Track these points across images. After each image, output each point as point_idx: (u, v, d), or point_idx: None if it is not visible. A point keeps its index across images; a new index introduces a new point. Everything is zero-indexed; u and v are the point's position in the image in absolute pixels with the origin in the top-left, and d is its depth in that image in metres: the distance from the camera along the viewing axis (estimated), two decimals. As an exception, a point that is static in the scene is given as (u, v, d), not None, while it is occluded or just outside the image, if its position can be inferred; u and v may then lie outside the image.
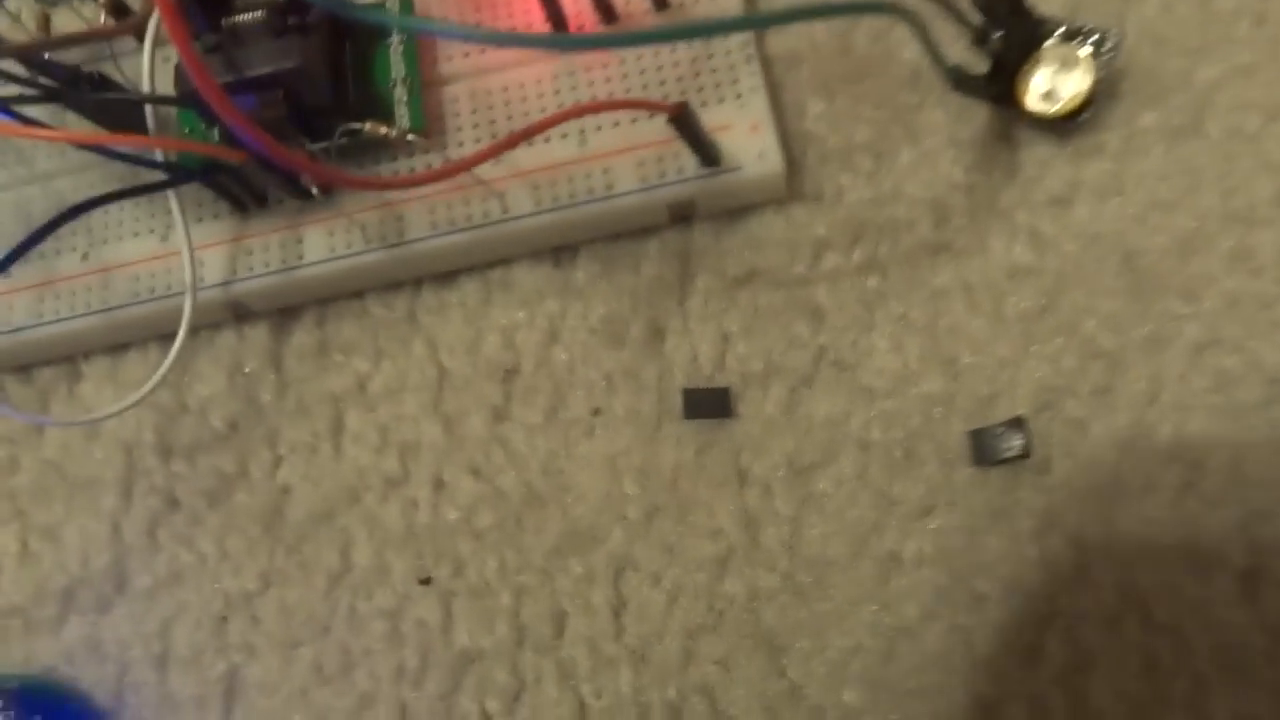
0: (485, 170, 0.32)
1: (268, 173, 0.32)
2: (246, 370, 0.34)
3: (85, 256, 0.34)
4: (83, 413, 0.35)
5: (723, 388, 0.32)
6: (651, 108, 0.32)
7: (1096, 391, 0.30)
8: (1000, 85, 0.32)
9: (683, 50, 0.33)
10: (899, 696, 0.29)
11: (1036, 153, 0.32)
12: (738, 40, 0.33)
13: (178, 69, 0.33)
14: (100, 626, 0.33)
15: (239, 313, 0.35)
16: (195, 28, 0.32)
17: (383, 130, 0.33)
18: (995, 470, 0.30)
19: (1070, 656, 0.28)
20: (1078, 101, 0.31)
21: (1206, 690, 0.28)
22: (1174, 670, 0.28)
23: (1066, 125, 0.32)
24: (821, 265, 0.32)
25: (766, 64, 0.33)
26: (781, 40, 0.34)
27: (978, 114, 0.32)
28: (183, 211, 0.33)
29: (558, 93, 0.34)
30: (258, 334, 0.34)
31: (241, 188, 0.33)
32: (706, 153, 0.31)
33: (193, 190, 0.34)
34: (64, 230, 0.33)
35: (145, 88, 0.32)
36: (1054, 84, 0.31)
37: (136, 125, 0.33)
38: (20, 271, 0.34)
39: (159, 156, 0.33)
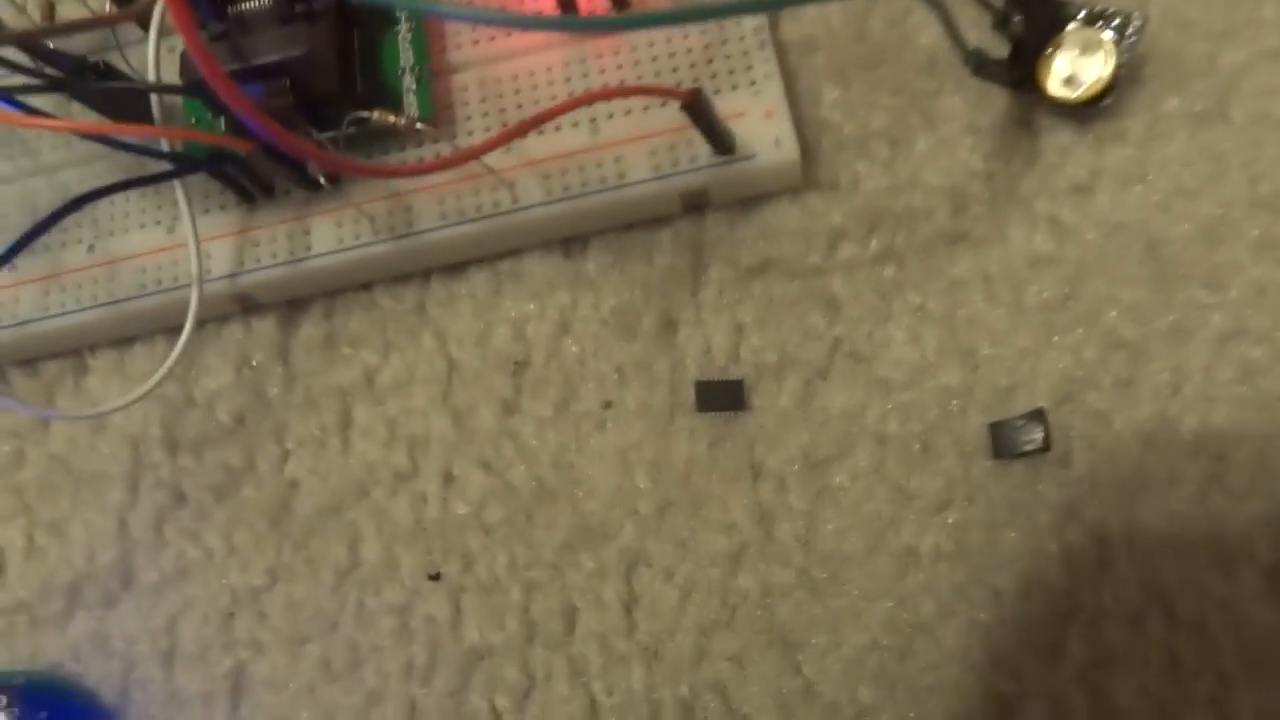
0: (495, 159, 0.32)
1: (275, 162, 0.32)
2: (254, 363, 0.34)
3: (91, 249, 0.34)
4: (89, 406, 0.35)
5: (736, 380, 0.31)
6: (665, 94, 0.31)
7: (1119, 383, 0.29)
8: (1021, 70, 0.31)
9: (695, 37, 0.32)
10: (916, 694, 0.29)
11: (1057, 139, 0.31)
12: (751, 26, 0.32)
13: (184, 57, 0.32)
14: (106, 622, 0.33)
15: (246, 305, 0.34)
16: (201, 16, 0.31)
17: (391, 119, 0.32)
18: (1015, 463, 0.29)
19: (1092, 653, 0.28)
20: (1100, 87, 0.30)
21: (1231, 688, 0.27)
22: (1198, 667, 0.27)
23: (1088, 111, 0.31)
24: (837, 255, 0.32)
25: (781, 50, 0.33)
26: (796, 26, 0.33)
27: (997, 100, 0.32)
28: (189, 203, 0.32)
29: (568, 80, 0.33)
30: (265, 326, 0.34)
31: (248, 178, 0.33)
32: (720, 141, 0.31)
33: (199, 181, 0.33)
34: (69, 222, 0.33)
35: (151, 77, 0.32)
36: (1076, 69, 0.31)
37: (142, 115, 0.33)
38: (26, 264, 0.34)
39: (165, 147, 0.33)
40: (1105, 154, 0.31)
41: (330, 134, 0.32)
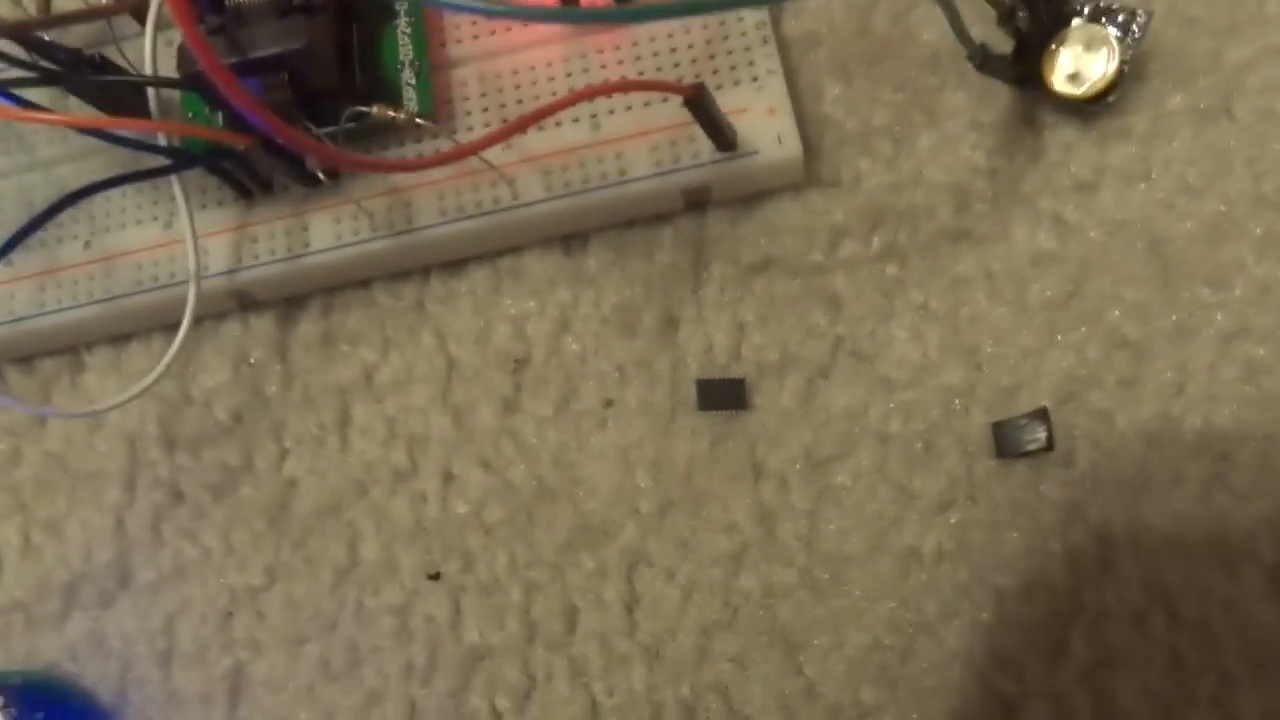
0: (495, 155, 0.31)
1: (274, 158, 0.31)
2: (251, 361, 0.34)
3: (87, 244, 0.34)
4: (85, 404, 0.34)
5: (738, 379, 0.31)
6: (667, 89, 0.31)
7: (1122, 382, 0.29)
8: (1025, 66, 0.31)
9: (697, 31, 0.32)
10: (918, 694, 0.29)
11: (1061, 136, 0.31)
12: (754, 20, 0.32)
13: (181, 51, 0.32)
14: (103, 622, 0.33)
15: (244, 302, 0.34)
16: (199, 9, 0.31)
17: (390, 114, 0.32)
18: (1018, 463, 0.29)
19: (1095, 654, 0.28)
20: (1104, 83, 0.30)
21: (1234, 689, 0.27)
22: (1201, 668, 0.27)
23: (1092, 107, 0.31)
24: (839, 252, 0.32)
25: (782, 45, 0.32)
26: (798, 21, 0.33)
27: (1000, 96, 0.32)
28: (186, 198, 0.32)
29: (569, 75, 0.33)
30: (263, 324, 0.34)
31: (246, 174, 0.32)
32: (722, 137, 0.31)
33: (196, 176, 0.33)
34: (65, 218, 0.33)
35: (148, 71, 0.32)
36: (1080, 65, 0.30)
37: (139, 109, 0.32)
38: (21, 260, 0.34)
39: (162, 141, 0.32)
40: (1109, 151, 0.31)
41: (329, 129, 0.32)
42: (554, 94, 0.33)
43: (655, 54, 0.32)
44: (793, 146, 0.31)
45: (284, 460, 0.33)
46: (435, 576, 0.31)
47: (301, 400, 0.33)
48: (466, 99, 0.33)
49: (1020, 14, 0.30)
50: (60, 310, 0.34)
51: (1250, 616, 0.27)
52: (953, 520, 0.29)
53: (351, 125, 0.32)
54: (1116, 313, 0.30)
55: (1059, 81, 0.30)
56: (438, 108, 0.33)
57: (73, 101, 0.34)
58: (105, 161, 0.34)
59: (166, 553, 0.33)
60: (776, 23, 0.33)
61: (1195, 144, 0.30)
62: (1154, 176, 0.30)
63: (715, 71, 0.32)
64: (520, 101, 0.33)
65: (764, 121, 0.31)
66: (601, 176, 0.32)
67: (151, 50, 0.31)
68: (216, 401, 0.34)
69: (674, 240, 0.32)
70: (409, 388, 0.33)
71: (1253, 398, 0.28)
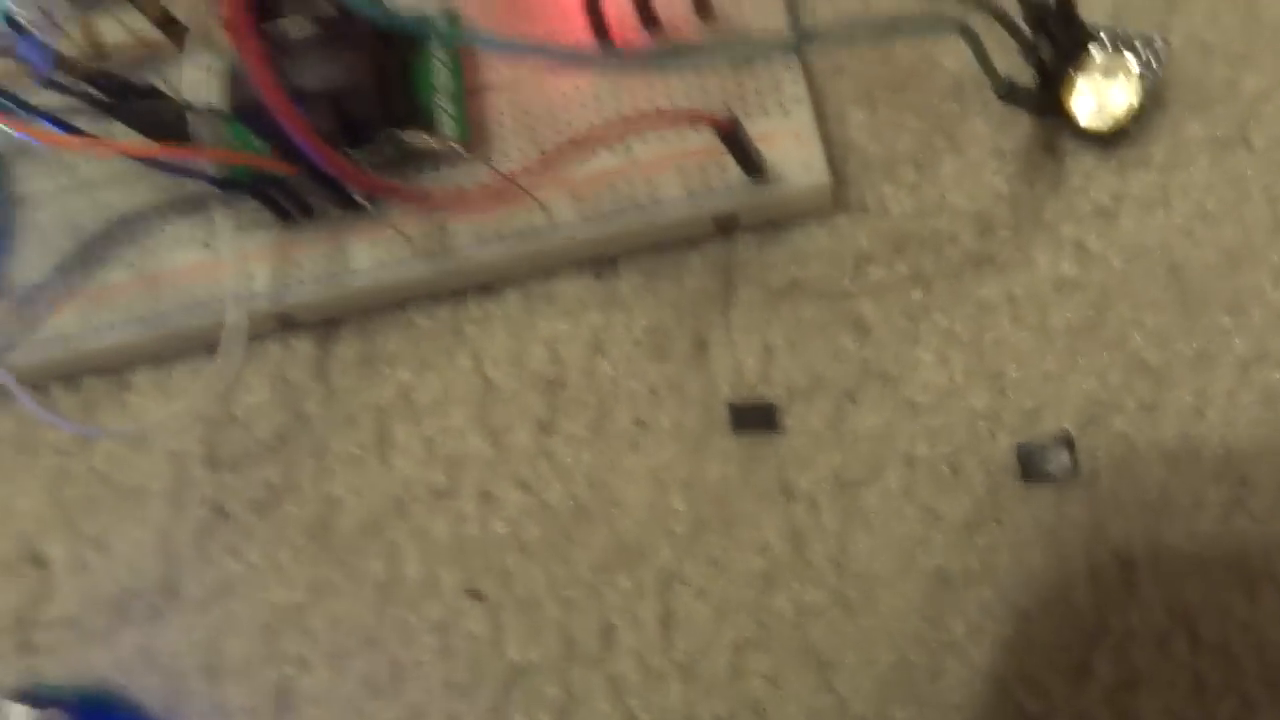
0: (528, 180, 0.32)
1: (318, 184, 0.32)
2: (292, 381, 0.34)
3: (132, 266, 0.35)
4: (130, 423, 0.35)
5: (769, 403, 0.32)
6: (703, 121, 0.31)
7: (1143, 406, 0.30)
8: (1047, 96, 0.31)
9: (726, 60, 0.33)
10: (946, 712, 0.29)
11: (1081, 163, 0.32)
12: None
13: (230, 80, 0.33)
14: (152, 637, 0.33)
15: (285, 324, 0.35)
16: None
17: (425, 139, 0.33)
18: (1042, 486, 0.30)
19: (1119, 675, 0.29)
20: (1127, 119, 0.31)
21: (1254, 711, 0.28)
22: (1222, 690, 0.28)
23: (1112, 136, 0.32)
24: (865, 277, 0.32)
25: (808, 73, 0.33)
26: (823, 49, 0.34)
27: (1021, 124, 0.32)
28: (230, 223, 0.33)
29: (599, 99, 0.34)
30: (303, 345, 0.35)
31: (289, 199, 0.33)
32: (752, 164, 0.31)
33: (239, 201, 0.34)
34: (111, 240, 0.34)
35: (195, 99, 0.32)
36: (1100, 94, 0.31)
37: (180, 136, 0.33)
38: (67, 281, 0.34)
39: (207, 169, 0.33)
40: (1128, 179, 0.32)
41: (366, 155, 0.32)
42: (586, 120, 0.33)
43: (684, 80, 0.33)
44: (820, 173, 0.32)
45: (325, 479, 0.34)
46: (475, 594, 0.32)
47: (342, 420, 0.34)
48: (501, 125, 0.34)
49: (1042, 46, 0.31)
50: (105, 331, 0.34)
51: (1269, 638, 0.28)
52: (979, 542, 0.30)
53: (388, 151, 0.32)
54: (1137, 338, 0.30)
55: (1080, 111, 0.31)
56: (472, 133, 0.34)
57: (117, 127, 0.34)
58: (149, 186, 0.35)
59: (212, 569, 0.33)
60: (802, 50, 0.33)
61: (1213, 172, 0.31)
62: (1173, 204, 0.31)
63: (742, 98, 0.33)
64: (555, 127, 0.33)
65: (792, 148, 0.32)
66: (633, 201, 0.32)
67: (199, 79, 0.32)
68: (258, 420, 0.34)
69: (703, 264, 0.33)
70: (446, 408, 0.33)
71: (1271, 421, 0.29)
